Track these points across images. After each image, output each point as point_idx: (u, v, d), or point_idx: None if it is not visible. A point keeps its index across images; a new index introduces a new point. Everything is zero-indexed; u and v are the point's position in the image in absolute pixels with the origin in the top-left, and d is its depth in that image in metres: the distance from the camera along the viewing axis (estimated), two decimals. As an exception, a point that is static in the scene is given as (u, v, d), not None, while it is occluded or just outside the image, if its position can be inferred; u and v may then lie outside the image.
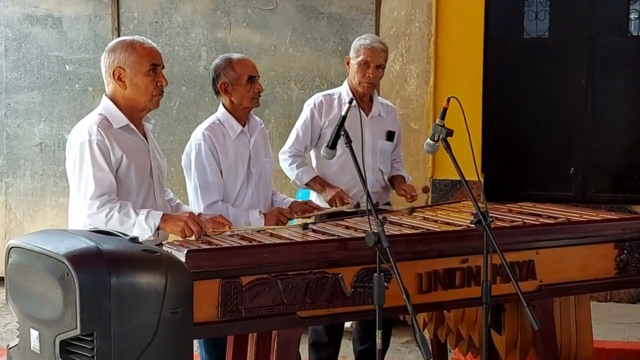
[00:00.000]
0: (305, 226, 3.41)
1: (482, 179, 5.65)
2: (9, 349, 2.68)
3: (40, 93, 6.76)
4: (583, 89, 6.32)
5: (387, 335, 4.34)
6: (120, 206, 3.13)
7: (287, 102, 6.44)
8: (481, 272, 3.09)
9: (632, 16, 6.35)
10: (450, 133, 3.26)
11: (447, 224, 3.52)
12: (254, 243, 3.09)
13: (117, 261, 2.41)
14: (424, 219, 3.68)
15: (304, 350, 3.93)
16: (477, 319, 3.48)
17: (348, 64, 4.35)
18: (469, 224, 3.25)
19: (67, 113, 6.71)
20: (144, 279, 2.43)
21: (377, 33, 6.00)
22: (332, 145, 3.37)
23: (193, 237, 3.17)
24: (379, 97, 4.51)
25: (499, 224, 3.47)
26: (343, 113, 3.29)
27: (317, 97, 4.39)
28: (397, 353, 5.16)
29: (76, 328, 2.36)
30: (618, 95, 6.35)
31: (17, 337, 2.62)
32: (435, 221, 3.60)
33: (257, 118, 4.01)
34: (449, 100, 3.25)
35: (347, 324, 4.67)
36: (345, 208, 4.05)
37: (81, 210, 3.16)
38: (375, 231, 2.81)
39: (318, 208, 3.90)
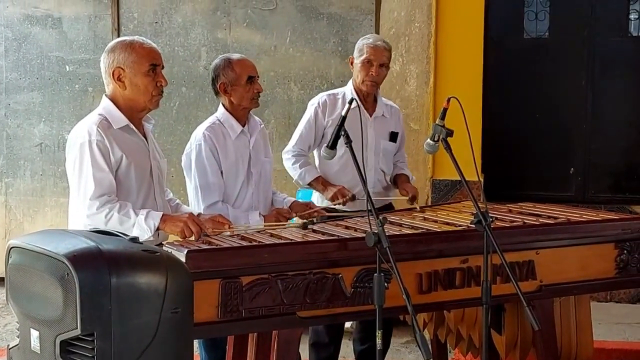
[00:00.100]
0: (305, 225, 3.41)
1: (482, 179, 5.65)
2: (9, 349, 2.68)
3: (40, 93, 6.76)
4: (583, 89, 6.32)
5: (388, 336, 4.34)
6: (120, 207, 3.13)
7: (287, 103, 6.44)
8: (481, 272, 3.09)
9: (632, 16, 6.35)
10: (450, 133, 3.26)
11: (447, 224, 3.52)
12: (254, 243, 3.09)
13: (118, 261, 2.41)
14: (424, 219, 3.68)
15: (304, 350, 3.93)
16: (477, 319, 3.48)
17: (352, 64, 4.35)
18: (469, 224, 3.25)
19: (67, 113, 6.71)
20: (144, 279, 2.43)
21: (377, 33, 6.00)
22: (332, 146, 3.37)
23: (193, 238, 3.17)
24: (383, 98, 4.51)
25: (499, 224, 3.47)
26: (343, 113, 3.28)
27: (321, 96, 4.40)
28: (397, 353, 5.16)
29: (76, 328, 2.36)
30: (618, 95, 6.35)
31: (18, 337, 2.62)
32: (436, 221, 3.60)
33: (257, 118, 4.01)
34: (449, 100, 3.25)
35: (347, 324, 4.67)
36: (343, 201, 4.06)
37: (81, 211, 3.16)
38: (376, 231, 2.81)
39: (318, 211, 3.90)
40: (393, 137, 4.43)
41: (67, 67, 6.71)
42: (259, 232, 3.37)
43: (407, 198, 4.24)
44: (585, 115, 6.34)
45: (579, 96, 6.33)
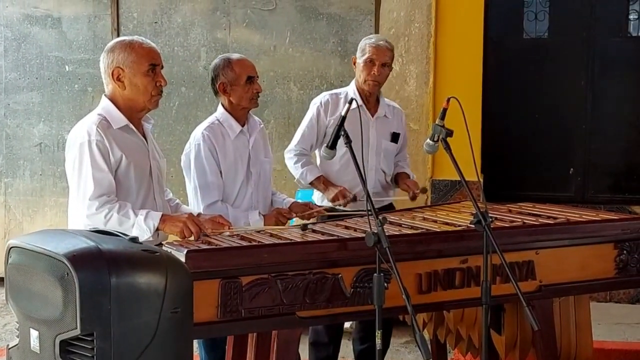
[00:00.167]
0: (304, 227, 3.41)
1: (481, 180, 5.65)
2: (9, 349, 2.68)
3: (40, 93, 6.76)
4: (582, 90, 6.33)
5: (387, 336, 4.34)
6: (120, 207, 3.13)
7: (286, 103, 6.44)
8: (481, 272, 3.09)
9: (631, 17, 6.36)
10: (449, 133, 3.26)
11: (447, 224, 3.52)
12: (254, 243, 3.09)
13: (117, 261, 2.41)
14: (424, 219, 3.68)
15: (303, 350, 3.93)
16: (477, 319, 3.48)
17: (354, 63, 4.35)
18: (468, 224, 3.25)
19: (66, 113, 6.71)
20: (144, 279, 2.43)
21: (377, 33, 6.00)
22: (332, 146, 3.37)
23: (192, 238, 3.17)
24: (386, 99, 4.51)
25: (499, 224, 3.46)
26: (343, 113, 3.28)
27: (324, 95, 4.40)
28: (396, 353, 5.16)
29: (76, 328, 2.36)
30: (617, 95, 6.35)
31: (17, 337, 2.62)
32: (435, 221, 3.60)
33: (256, 118, 4.01)
34: (448, 100, 3.25)
35: (347, 324, 4.66)
36: (344, 202, 4.07)
37: (80, 211, 3.16)
38: (375, 231, 2.81)
39: (319, 211, 3.90)
40: (395, 137, 4.44)
41: (66, 67, 6.71)
42: (258, 232, 3.37)
43: (409, 197, 4.24)
44: (584, 116, 6.34)
45: (579, 96, 6.34)
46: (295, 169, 4.34)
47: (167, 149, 6.07)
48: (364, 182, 3.03)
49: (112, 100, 3.28)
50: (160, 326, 2.43)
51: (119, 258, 2.44)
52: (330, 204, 4.19)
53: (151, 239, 3.12)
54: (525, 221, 3.57)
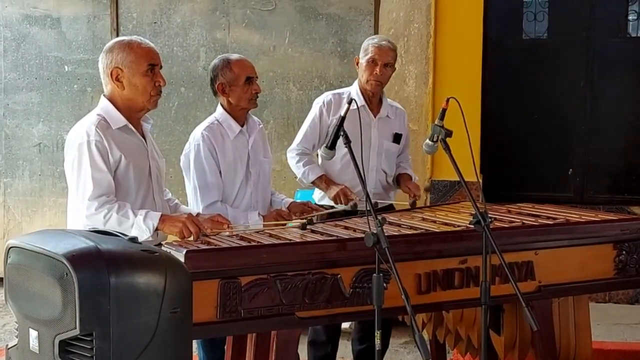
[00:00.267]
0: (303, 226, 3.41)
1: (481, 180, 5.66)
2: (8, 349, 2.68)
3: (39, 93, 6.76)
4: (582, 90, 6.33)
5: (387, 336, 4.34)
6: (119, 207, 3.12)
7: (285, 103, 6.44)
8: (480, 272, 3.09)
9: (630, 17, 6.36)
10: (449, 134, 3.26)
11: (446, 224, 3.52)
12: (253, 243, 3.08)
13: (116, 261, 2.41)
14: (423, 219, 3.68)
15: (302, 350, 3.93)
16: (476, 319, 3.48)
17: (357, 64, 4.36)
18: (468, 225, 3.25)
19: (65, 113, 6.71)
20: (143, 279, 2.43)
21: (376, 34, 6.00)
22: (331, 146, 3.37)
23: (191, 238, 3.16)
24: (389, 99, 4.52)
25: (498, 224, 3.46)
26: (342, 113, 3.29)
27: (327, 95, 4.41)
28: (395, 354, 5.17)
29: (75, 328, 2.36)
30: (617, 96, 6.35)
31: (16, 337, 2.62)
32: (434, 222, 3.60)
33: (255, 118, 4.01)
34: (448, 100, 3.25)
35: (346, 325, 4.66)
36: (347, 207, 4.06)
37: (80, 211, 3.16)
38: (375, 231, 2.81)
39: (317, 209, 3.90)
40: (397, 138, 4.44)
41: (65, 67, 6.71)
42: (257, 232, 3.37)
43: (409, 203, 4.25)
44: (584, 116, 6.34)
45: (578, 97, 6.34)
46: (297, 168, 4.34)
47: (167, 149, 6.07)
48: (363, 182, 3.03)
49: (111, 100, 3.28)
50: (160, 326, 2.43)
51: (118, 258, 2.43)
52: (330, 203, 4.20)
53: (150, 239, 3.12)
54: (524, 221, 3.57)
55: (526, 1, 6.39)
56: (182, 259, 2.75)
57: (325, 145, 3.40)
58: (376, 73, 4.25)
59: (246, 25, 6.46)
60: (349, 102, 3.28)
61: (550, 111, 6.37)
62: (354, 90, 4.38)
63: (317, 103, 4.40)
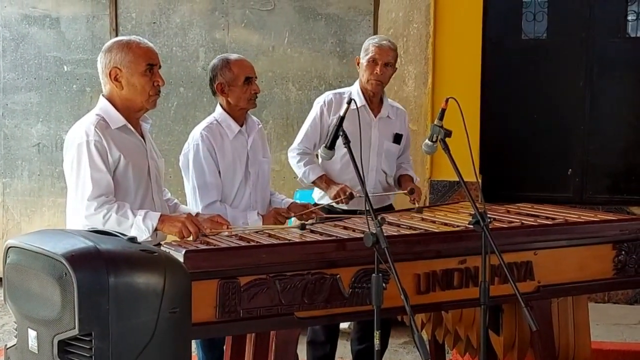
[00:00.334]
0: (302, 226, 3.41)
1: (480, 180, 5.66)
2: (7, 349, 2.67)
3: (38, 93, 6.76)
4: (581, 90, 6.33)
5: (386, 336, 4.34)
6: (118, 207, 3.12)
7: (285, 103, 6.44)
8: (479, 272, 3.09)
9: (629, 17, 6.36)
10: (448, 134, 3.26)
11: (446, 224, 3.52)
12: (252, 243, 3.08)
13: (116, 261, 2.41)
14: (422, 219, 3.68)
15: (302, 350, 3.93)
16: (475, 319, 3.48)
17: (358, 64, 4.36)
18: (467, 225, 3.25)
19: (64, 113, 6.71)
20: (142, 279, 2.42)
21: (375, 34, 5.99)
22: (330, 146, 3.37)
23: (191, 238, 3.16)
24: (390, 100, 4.52)
25: (497, 224, 3.47)
26: (341, 113, 3.29)
27: (328, 95, 4.41)
28: (395, 354, 5.17)
29: (74, 328, 2.35)
30: (616, 96, 6.35)
31: (15, 337, 2.62)
32: (434, 222, 3.60)
33: (254, 118, 4.01)
34: (447, 101, 3.25)
35: (345, 325, 4.66)
36: (345, 198, 4.06)
37: (79, 211, 3.15)
38: (374, 232, 2.81)
39: (317, 213, 3.90)
40: (397, 138, 4.44)
41: (64, 67, 6.71)
42: (257, 232, 3.37)
43: (407, 191, 4.23)
44: (583, 116, 6.34)
45: (577, 97, 6.34)
46: (297, 168, 4.34)
47: (166, 149, 6.07)
48: (362, 182, 3.03)
49: (110, 100, 3.28)
50: (159, 326, 2.43)
51: (118, 258, 2.43)
52: (330, 202, 4.20)
53: (150, 239, 3.12)
54: (523, 222, 3.57)
55: (526, 1, 6.39)
56: (181, 259, 2.75)
57: (324, 145, 3.40)
58: (377, 72, 4.26)
59: (245, 26, 6.45)
60: (348, 102, 3.28)
61: (549, 111, 6.37)
62: (354, 90, 4.38)
63: (318, 103, 4.40)
